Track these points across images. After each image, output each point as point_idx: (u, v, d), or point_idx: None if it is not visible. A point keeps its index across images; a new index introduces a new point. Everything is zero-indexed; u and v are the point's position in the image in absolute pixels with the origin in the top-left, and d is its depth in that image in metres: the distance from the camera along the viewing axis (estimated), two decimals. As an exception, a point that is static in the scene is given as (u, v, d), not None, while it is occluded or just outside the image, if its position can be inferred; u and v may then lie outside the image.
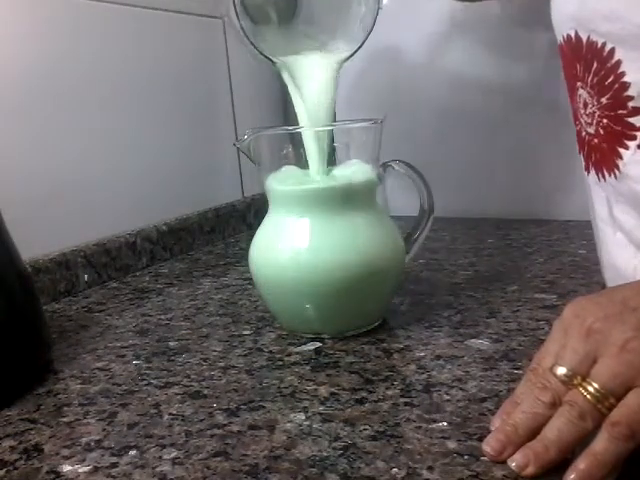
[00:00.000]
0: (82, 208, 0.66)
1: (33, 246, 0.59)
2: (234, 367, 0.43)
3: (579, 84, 0.42)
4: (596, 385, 0.29)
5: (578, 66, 0.42)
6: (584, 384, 0.29)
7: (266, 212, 0.49)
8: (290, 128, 0.47)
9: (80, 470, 0.32)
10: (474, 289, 0.55)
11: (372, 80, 0.86)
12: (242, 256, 0.70)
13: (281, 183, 0.47)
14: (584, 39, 0.40)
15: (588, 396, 0.29)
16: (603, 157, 0.42)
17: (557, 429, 0.29)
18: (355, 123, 0.48)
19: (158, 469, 0.32)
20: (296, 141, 0.47)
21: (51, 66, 0.63)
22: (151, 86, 0.74)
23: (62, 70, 0.64)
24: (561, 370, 0.30)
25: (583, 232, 0.71)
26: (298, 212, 0.46)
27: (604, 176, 0.42)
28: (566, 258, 0.63)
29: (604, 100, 0.40)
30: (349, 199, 0.46)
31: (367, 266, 0.44)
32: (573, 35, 0.41)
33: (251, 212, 0.89)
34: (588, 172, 0.45)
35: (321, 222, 0.45)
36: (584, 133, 0.44)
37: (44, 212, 0.62)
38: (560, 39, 0.44)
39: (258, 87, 0.93)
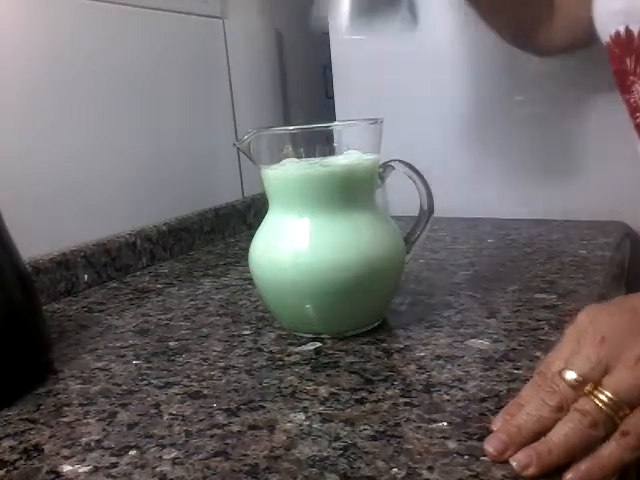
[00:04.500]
0: (82, 208, 0.66)
1: (33, 246, 0.59)
2: (234, 367, 0.43)
3: (632, 78, 0.43)
4: (609, 394, 0.28)
5: (628, 61, 0.43)
6: (596, 392, 0.29)
7: (266, 212, 0.49)
8: (290, 128, 0.47)
9: (80, 470, 0.32)
10: (474, 289, 0.55)
11: (373, 80, 0.87)
12: (242, 256, 0.70)
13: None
14: (635, 32, 0.41)
15: (602, 405, 0.28)
16: None
17: (564, 434, 0.29)
18: (355, 123, 0.48)
19: (158, 469, 0.32)
20: (296, 141, 0.47)
21: (51, 66, 0.63)
22: (151, 86, 0.74)
23: (62, 70, 0.64)
24: (570, 375, 0.30)
25: (583, 232, 0.71)
26: (298, 212, 0.46)
27: None
28: (566, 258, 0.63)
29: None
30: (350, 187, 0.45)
31: (367, 266, 0.44)
32: (622, 31, 0.42)
33: (251, 212, 0.89)
34: None
35: (321, 222, 0.45)
36: None
37: (44, 212, 0.62)
38: (606, 39, 0.45)
39: (258, 87, 0.93)
